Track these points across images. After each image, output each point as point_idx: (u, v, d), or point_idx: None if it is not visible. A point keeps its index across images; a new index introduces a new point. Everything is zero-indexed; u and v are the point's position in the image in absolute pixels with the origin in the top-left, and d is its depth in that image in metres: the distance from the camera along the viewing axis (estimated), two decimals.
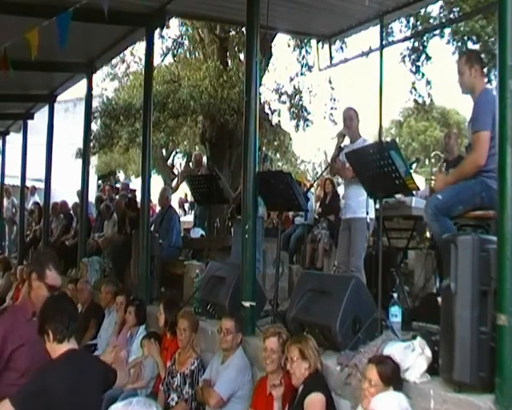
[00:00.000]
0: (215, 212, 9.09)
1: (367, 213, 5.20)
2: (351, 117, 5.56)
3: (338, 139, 5.58)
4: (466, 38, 12.66)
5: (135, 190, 12.35)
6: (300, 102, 14.31)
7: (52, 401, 2.76)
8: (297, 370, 3.69)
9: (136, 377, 5.37)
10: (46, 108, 11.06)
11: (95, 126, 13.39)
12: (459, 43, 12.73)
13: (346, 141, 5.61)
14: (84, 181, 9.28)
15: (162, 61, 14.87)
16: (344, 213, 5.67)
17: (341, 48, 12.53)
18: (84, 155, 9.61)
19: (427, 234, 4.33)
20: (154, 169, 18.51)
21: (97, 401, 3.04)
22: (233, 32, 12.65)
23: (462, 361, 3.01)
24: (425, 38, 12.62)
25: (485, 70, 11.89)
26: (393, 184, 4.09)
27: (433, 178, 4.36)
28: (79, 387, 2.88)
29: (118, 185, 16.18)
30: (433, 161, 5.87)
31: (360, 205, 5.30)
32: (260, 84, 10.79)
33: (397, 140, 21.37)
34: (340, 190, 9.00)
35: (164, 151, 21.38)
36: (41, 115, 11.78)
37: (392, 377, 3.20)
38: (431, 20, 12.16)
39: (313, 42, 10.68)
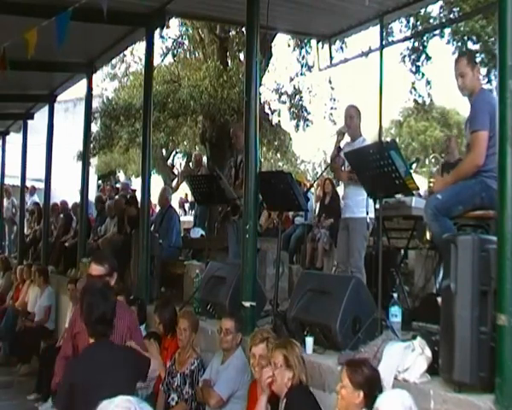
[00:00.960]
0: (215, 212, 9.08)
1: (367, 213, 5.21)
2: (351, 115, 5.51)
3: (337, 137, 5.57)
4: (466, 38, 12.68)
5: (135, 190, 12.34)
6: (300, 102, 14.31)
7: (80, 396, 3.02)
8: (279, 377, 3.57)
9: None
10: (46, 108, 11.06)
11: (95, 127, 13.39)
12: (459, 43, 12.75)
13: (346, 139, 5.61)
14: (84, 181, 9.28)
15: (162, 61, 14.89)
16: (343, 212, 5.68)
17: (341, 48, 12.54)
18: (84, 155, 9.61)
19: (427, 236, 4.33)
20: (154, 169, 18.50)
21: (126, 392, 3.06)
22: (233, 32, 12.66)
23: (462, 361, 3.02)
24: (425, 38, 12.63)
25: (485, 70, 11.97)
26: (393, 184, 4.08)
27: (431, 180, 4.36)
28: (105, 380, 3.01)
29: (118, 185, 16.18)
30: (432, 160, 5.87)
31: (358, 204, 5.31)
32: (260, 84, 10.78)
33: (397, 140, 21.38)
34: (340, 190, 9.00)
35: (164, 151, 21.38)
36: (41, 115, 11.77)
37: (364, 383, 3.13)
38: (431, 20, 12.17)
39: (313, 42, 10.68)
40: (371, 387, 3.15)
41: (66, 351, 3.90)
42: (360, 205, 5.31)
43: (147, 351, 4.00)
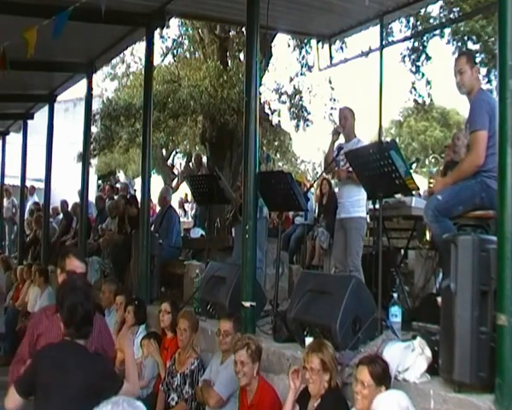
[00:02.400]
0: (215, 212, 9.09)
1: (367, 213, 5.22)
2: (345, 116, 5.59)
3: (332, 136, 5.62)
4: (466, 38, 12.68)
5: (135, 190, 12.36)
6: (300, 102, 14.32)
7: (37, 384, 2.93)
8: (317, 381, 3.50)
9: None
10: (46, 108, 11.05)
11: (95, 129, 13.39)
12: (459, 43, 12.75)
13: (341, 139, 5.65)
14: (84, 181, 9.28)
15: (162, 61, 14.90)
16: (338, 212, 5.69)
17: (341, 48, 12.53)
18: (84, 155, 9.61)
19: (427, 236, 4.33)
20: (153, 169, 18.50)
21: (77, 397, 2.88)
22: (233, 32, 12.66)
23: (462, 361, 3.02)
24: (425, 38, 12.62)
25: (485, 70, 11.96)
26: (393, 184, 4.09)
27: (431, 181, 4.36)
28: (63, 377, 2.89)
29: (118, 185, 16.18)
30: (432, 160, 5.87)
31: (353, 204, 5.37)
32: (260, 84, 10.78)
33: (397, 140, 21.35)
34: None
35: (164, 151, 21.38)
36: (41, 115, 11.77)
37: (383, 376, 3.18)
38: (431, 20, 12.17)
39: (313, 42, 10.68)
40: (388, 379, 3.20)
41: (23, 355, 3.49)
42: (355, 205, 5.36)
43: (115, 354, 3.83)
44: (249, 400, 4.06)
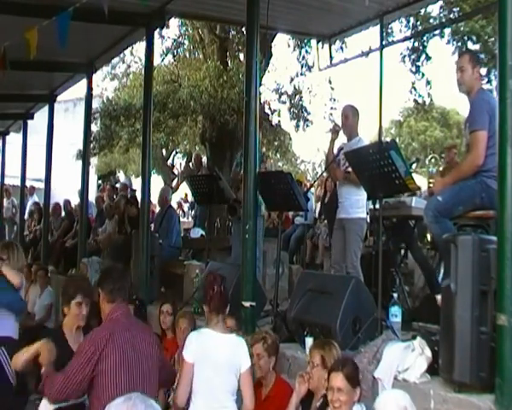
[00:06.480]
0: (215, 212, 9.08)
1: (367, 213, 5.21)
2: (346, 115, 5.51)
3: (331, 135, 5.58)
4: (466, 38, 12.69)
5: (135, 190, 12.35)
6: (300, 102, 14.30)
7: None
8: (315, 376, 3.52)
9: None
10: (46, 108, 11.06)
11: (95, 128, 13.39)
12: (459, 43, 12.76)
13: (342, 138, 5.63)
14: (84, 181, 9.28)
15: (162, 61, 14.87)
16: (338, 212, 5.66)
17: (341, 48, 12.50)
18: (84, 155, 9.61)
19: (428, 237, 4.33)
20: (154, 169, 18.50)
21: None
22: (233, 32, 12.65)
23: (462, 361, 3.02)
24: (425, 38, 12.62)
25: (485, 70, 11.96)
26: (393, 184, 4.09)
27: (431, 181, 4.36)
28: None
29: (118, 185, 16.17)
30: (432, 160, 5.86)
31: (353, 205, 5.32)
32: (260, 84, 10.77)
33: (397, 140, 21.31)
34: None
35: (164, 151, 21.38)
36: (41, 115, 11.78)
37: (356, 376, 3.16)
38: (431, 20, 12.17)
39: (313, 42, 10.67)
40: (359, 379, 3.19)
41: None
42: (355, 205, 5.31)
43: None
44: (264, 394, 4.05)
